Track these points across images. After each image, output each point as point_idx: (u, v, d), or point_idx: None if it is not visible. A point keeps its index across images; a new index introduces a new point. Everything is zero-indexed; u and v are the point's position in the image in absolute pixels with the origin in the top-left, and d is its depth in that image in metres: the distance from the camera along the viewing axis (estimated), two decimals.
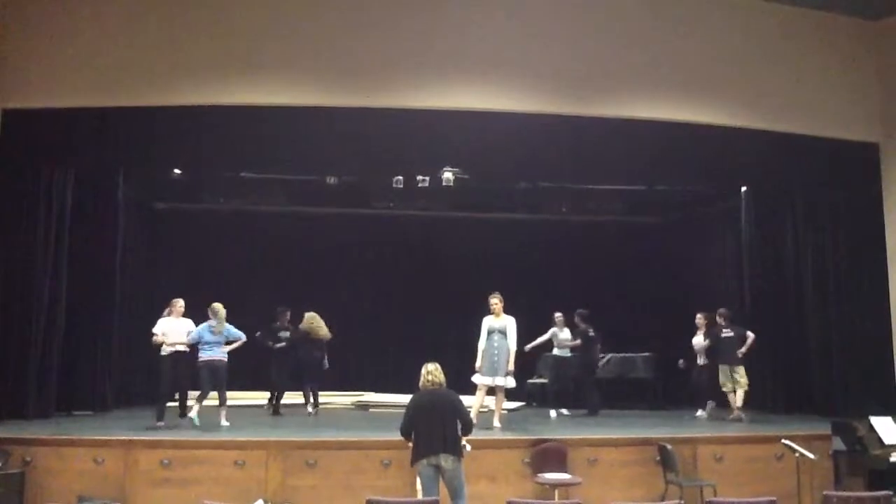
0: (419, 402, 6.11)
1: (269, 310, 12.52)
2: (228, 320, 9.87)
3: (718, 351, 10.00)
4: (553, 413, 10.43)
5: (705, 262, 13.24)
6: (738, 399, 9.73)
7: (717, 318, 10.20)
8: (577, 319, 10.85)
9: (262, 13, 8.28)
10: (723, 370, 9.90)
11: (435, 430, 5.90)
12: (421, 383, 6.18)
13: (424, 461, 5.87)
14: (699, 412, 10.09)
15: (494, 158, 10.18)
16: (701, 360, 10.30)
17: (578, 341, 10.73)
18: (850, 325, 9.84)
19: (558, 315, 10.87)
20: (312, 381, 10.79)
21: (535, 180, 12.12)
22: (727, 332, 10.00)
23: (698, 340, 10.35)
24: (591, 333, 10.76)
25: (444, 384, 6.18)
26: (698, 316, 10.50)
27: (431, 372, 6.18)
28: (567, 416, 10.39)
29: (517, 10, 8.53)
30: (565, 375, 10.85)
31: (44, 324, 9.12)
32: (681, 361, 10.73)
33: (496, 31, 8.46)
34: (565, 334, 10.81)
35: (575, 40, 8.62)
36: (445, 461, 5.83)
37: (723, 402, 10.06)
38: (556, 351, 10.90)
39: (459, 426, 6.04)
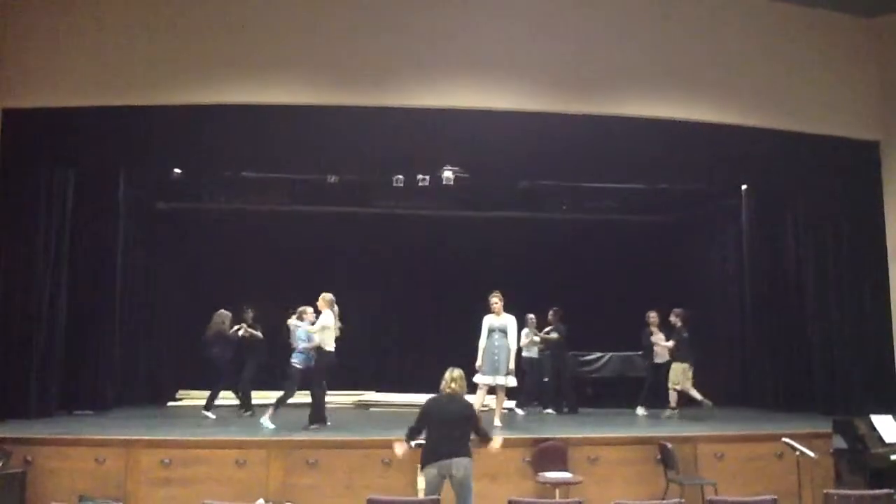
0: (435, 407, 5.99)
1: (268, 309, 12.57)
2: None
3: (679, 349, 10.12)
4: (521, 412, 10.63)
5: (705, 260, 13.25)
6: (676, 397, 10.03)
7: (674, 318, 10.28)
8: (551, 317, 10.93)
9: (263, 13, 8.28)
10: (683, 369, 10.02)
11: (448, 435, 5.82)
12: (442, 387, 6.05)
13: (435, 470, 5.74)
14: (668, 412, 10.10)
15: (495, 157, 10.17)
16: (661, 359, 10.40)
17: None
18: (851, 324, 9.82)
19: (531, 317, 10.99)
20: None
21: (535, 179, 12.12)
22: (685, 332, 10.19)
23: (660, 338, 10.40)
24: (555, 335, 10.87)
25: (465, 394, 6.12)
26: (652, 314, 10.56)
27: (456, 380, 6.04)
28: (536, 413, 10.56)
29: (517, 9, 8.53)
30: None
31: (44, 323, 9.11)
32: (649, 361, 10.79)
33: (496, 30, 8.46)
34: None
35: (574, 39, 8.62)
36: (457, 469, 5.72)
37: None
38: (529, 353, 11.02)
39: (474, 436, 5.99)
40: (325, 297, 8.64)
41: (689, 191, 12.60)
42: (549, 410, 10.81)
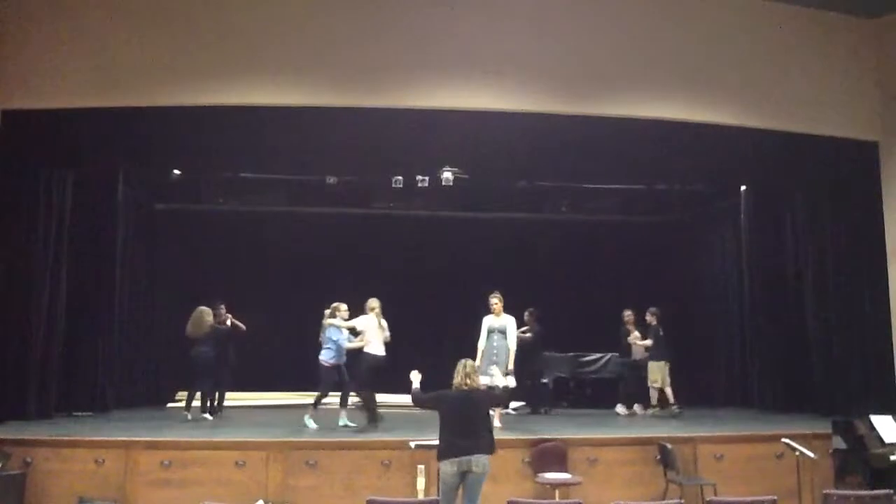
0: (452, 401, 5.89)
1: (267, 309, 12.55)
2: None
3: (656, 348, 10.52)
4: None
5: (705, 261, 13.26)
6: (671, 394, 10.36)
7: (650, 317, 10.67)
8: (527, 318, 10.93)
9: (263, 13, 8.26)
10: (659, 367, 10.40)
11: (468, 430, 5.74)
12: (456, 382, 5.95)
13: (454, 467, 5.65)
14: (638, 410, 10.50)
15: (494, 158, 10.19)
16: (637, 356, 10.78)
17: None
18: (851, 324, 9.82)
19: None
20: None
21: (534, 180, 12.13)
22: (660, 331, 10.56)
23: (636, 337, 10.74)
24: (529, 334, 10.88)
25: (479, 386, 6.12)
26: (627, 313, 10.88)
27: (470, 375, 5.95)
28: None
29: (517, 10, 8.52)
30: None
31: (44, 324, 9.11)
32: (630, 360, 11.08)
33: (496, 31, 8.45)
34: None
35: (574, 39, 8.61)
36: (477, 464, 5.65)
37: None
38: None
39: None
40: (369, 303, 8.86)
41: (688, 191, 12.61)
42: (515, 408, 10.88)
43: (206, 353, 9.63)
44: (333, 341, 8.86)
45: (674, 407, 10.23)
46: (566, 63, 8.56)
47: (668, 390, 10.35)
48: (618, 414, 10.58)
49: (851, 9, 9.22)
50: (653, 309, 10.71)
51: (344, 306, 8.97)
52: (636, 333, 10.74)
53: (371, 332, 8.71)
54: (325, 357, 8.86)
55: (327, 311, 9.05)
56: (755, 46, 8.95)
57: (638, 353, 10.79)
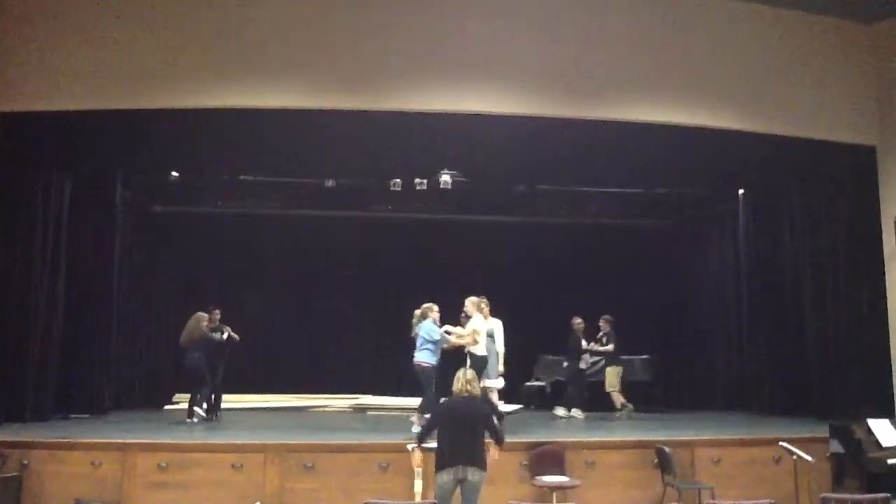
0: (450, 410, 5.95)
1: (265, 311, 12.52)
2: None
3: (613, 354, 10.85)
4: None
5: (703, 264, 13.26)
6: (618, 399, 10.68)
7: (604, 324, 10.93)
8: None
9: (261, 17, 8.29)
10: (617, 371, 10.76)
11: (465, 441, 5.76)
12: (457, 389, 5.97)
13: (450, 476, 5.68)
14: (577, 413, 10.55)
15: (492, 161, 10.21)
16: (585, 364, 10.99)
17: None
18: (848, 328, 9.84)
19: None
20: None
21: (532, 183, 12.14)
22: (614, 338, 10.87)
23: (593, 345, 10.96)
24: None
25: (479, 395, 6.12)
26: (577, 319, 10.90)
27: (470, 381, 5.98)
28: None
29: (515, 13, 8.55)
30: None
31: (42, 326, 9.10)
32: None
33: (494, 34, 8.47)
34: None
35: (573, 44, 8.63)
36: (473, 475, 5.69)
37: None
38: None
39: (489, 437, 5.99)
40: (474, 301, 8.66)
41: (687, 195, 12.63)
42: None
43: (198, 360, 9.52)
44: (434, 342, 8.33)
45: (625, 410, 10.53)
46: (565, 67, 8.59)
47: (616, 394, 10.65)
48: (557, 416, 10.56)
49: (850, 14, 9.26)
50: (606, 316, 10.97)
51: (435, 307, 8.57)
52: (583, 341, 10.92)
53: (485, 333, 8.53)
54: (424, 358, 8.30)
55: (417, 312, 8.64)
56: (754, 51, 8.98)
57: (585, 360, 11.03)
